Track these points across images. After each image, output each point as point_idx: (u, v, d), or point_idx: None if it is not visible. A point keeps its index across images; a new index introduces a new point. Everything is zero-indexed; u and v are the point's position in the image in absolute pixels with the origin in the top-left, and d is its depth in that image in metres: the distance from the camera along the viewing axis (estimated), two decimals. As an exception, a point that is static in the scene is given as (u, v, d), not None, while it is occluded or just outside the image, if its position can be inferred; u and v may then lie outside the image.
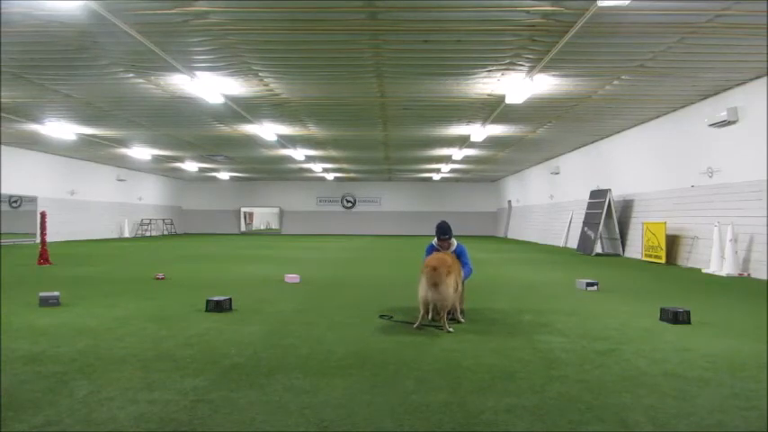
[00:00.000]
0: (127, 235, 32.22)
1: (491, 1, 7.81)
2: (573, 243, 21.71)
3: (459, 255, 7.06)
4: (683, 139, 14.62)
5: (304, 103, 14.66)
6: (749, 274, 11.66)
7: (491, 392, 3.85)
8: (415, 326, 5.99)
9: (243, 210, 42.20)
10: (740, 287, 10.03)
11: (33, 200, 24.11)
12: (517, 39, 9.29)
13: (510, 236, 34.83)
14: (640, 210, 17.33)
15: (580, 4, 7.81)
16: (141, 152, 24.37)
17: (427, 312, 6.04)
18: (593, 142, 20.79)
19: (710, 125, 12.80)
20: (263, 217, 53.90)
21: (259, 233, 43.88)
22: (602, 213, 18.38)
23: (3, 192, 22.23)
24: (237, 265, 14.22)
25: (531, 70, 11.04)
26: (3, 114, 15.80)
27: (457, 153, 23.99)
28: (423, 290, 5.87)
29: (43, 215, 14.56)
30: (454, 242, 7.11)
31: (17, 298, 7.99)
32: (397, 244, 26.18)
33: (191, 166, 30.06)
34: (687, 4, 7.80)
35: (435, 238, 7.13)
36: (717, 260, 12.34)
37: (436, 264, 5.81)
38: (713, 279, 11.40)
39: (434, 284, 5.73)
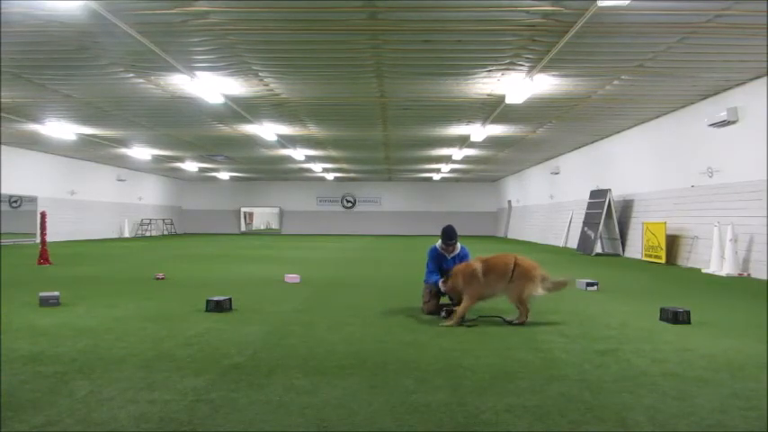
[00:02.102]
0: (127, 235, 32.22)
1: (491, 1, 7.81)
2: (573, 243, 21.71)
3: (464, 258, 7.11)
4: (683, 139, 14.63)
5: (304, 103, 14.66)
6: (749, 274, 11.66)
7: (491, 392, 3.85)
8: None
9: (243, 210, 42.19)
10: (740, 287, 10.02)
11: (33, 200, 24.11)
12: (517, 39, 9.29)
13: (510, 236, 34.83)
14: (640, 210, 17.33)
15: (580, 4, 7.81)
16: (141, 152, 24.38)
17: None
18: (593, 142, 20.80)
19: (710, 125, 12.80)
20: (263, 217, 53.85)
21: (259, 233, 43.88)
22: (602, 213, 18.37)
23: (3, 192, 22.23)
24: (237, 265, 14.22)
25: (531, 70, 11.04)
26: (3, 114, 15.80)
27: (457, 153, 23.99)
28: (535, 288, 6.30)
29: (43, 215, 14.56)
30: (458, 246, 7.17)
31: (17, 298, 7.98)
32: (398, 244, 26.17)
33: (191, 166, 30.06)
34: (687, 4, 7.80)
35: (440, 241, 7.16)
36: (717, 260, 12.33)
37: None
38: (713, 279, 11.40)
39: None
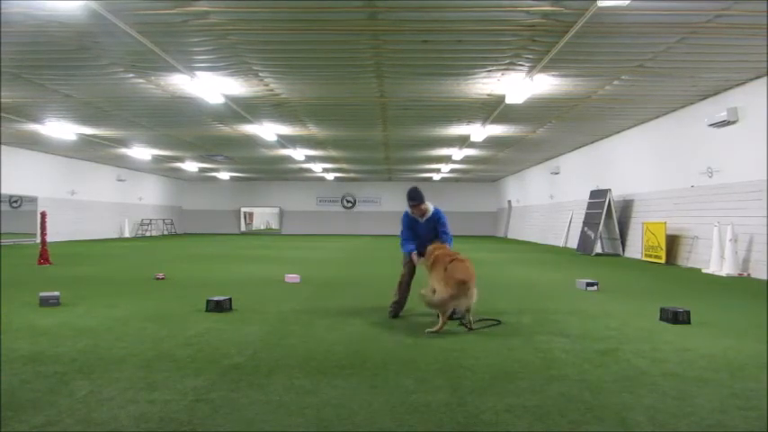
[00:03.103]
0: (127, 235, 32.22)
1: (491, 1, 7.81)
2: (573, 243, 21.71)
3: (437, 221, 6.80)
4: (683, 139, 14.63)
5: (304, 103, 14.66)
6: (749, 274, 11.65)
7: (491, 392, 3.85)
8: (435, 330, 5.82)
9: (243, 210, 42.19)
10: (740, 287, 10.02)
11: (33, 200, 24.11)
12: (517, 39, 9.29)
13: (510, 236, 34.83)
14: (640, 210, 17.33)
15: (580, 4, 7.81)
16: (141, 152, 24.38)
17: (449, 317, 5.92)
18: (593, 142, 20.79)
19: (710, 125, 12.80)
20: (263, 217, 53.89)
21: (259, 233, 43.88)
22: (602, 213, 18.37)
23: (3, 192, 22.23)
24: (237, 265, 14.22)
25: (531, 70, 11.04)
26: (3, 114, 15.80)
27: (457, 153, 23.99)
28: (451, 299, 5.76)
29: (43, 215, 14.56)
30: (429, 207, 6.84)
31: (17, 298, 7.99)
32: (397, 244, 26.15)
33: (191, 166, 30.06)
34: (687, 4, 7.80)
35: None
36: (717, 260, 12.33)
37: (465, 277, 5.80)
38: (713, 279, 11.40)
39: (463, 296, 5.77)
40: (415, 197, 6.76)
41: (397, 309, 6.82)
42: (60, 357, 4.71)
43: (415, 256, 6.78)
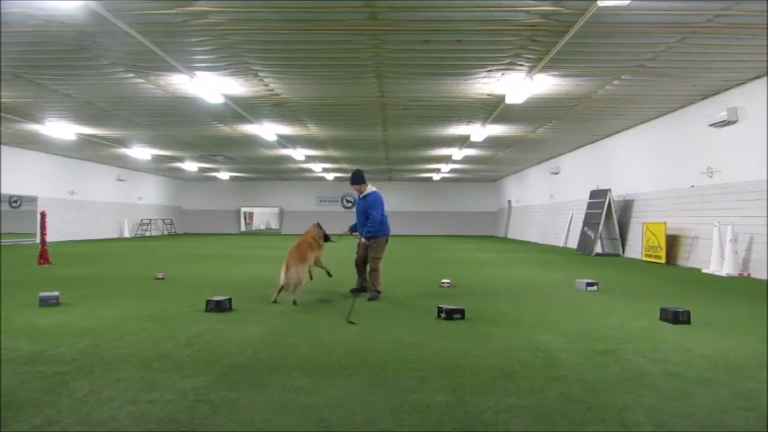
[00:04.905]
0: (127, 235, 32.21)
1: (491, 1, 7.82)
2: (573, 243, 21.71)
3: (372, 202, 8.23)
4: (683, 139, 14.63)
5: (304, 103, 14.66)
6: (749, 274, 11.65)
7: (491, 392, 3.85)
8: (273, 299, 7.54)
9: (243, 210, 42.19)
10: (740, 287, 10.02)
11: (33, 200, 24.11)
12: (517, 39, 9.29)
13: (510, 236, 34.83)
14: (640, 210, 17.33)
15: (580, 4, 7.81)
16: (141, 152, 24.38)
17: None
18: (593, 142, 20.79)
19: (710, 125, 12.80)
20: (263, 217, 53.87)
21: (259, 233, 43.87)
22: (602, 213, 18.37)
23: (3, 192, 22.23)
24: (238, 265, 14.22)
25: (531, 70, 11.04)
26: (3, 114, 15.80)
27: (457, 153, 23.99)
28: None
29: (43, 215, 14.55)
30: (368, 187, 8.38)
31: (17, 298, 7.98)
32: (397, 244, 26.14)
33: (191, 166, 30.05)
34: (687, 4, 7.80)
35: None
36: (717, 260, 12.33)
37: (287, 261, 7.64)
38: (713, 279, 11.40)
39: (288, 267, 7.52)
40: (353, 180, 8.40)
41: (356, 290, 8.53)
42: (60, 357, 4.71)
43: (347, 230, 8.99)
